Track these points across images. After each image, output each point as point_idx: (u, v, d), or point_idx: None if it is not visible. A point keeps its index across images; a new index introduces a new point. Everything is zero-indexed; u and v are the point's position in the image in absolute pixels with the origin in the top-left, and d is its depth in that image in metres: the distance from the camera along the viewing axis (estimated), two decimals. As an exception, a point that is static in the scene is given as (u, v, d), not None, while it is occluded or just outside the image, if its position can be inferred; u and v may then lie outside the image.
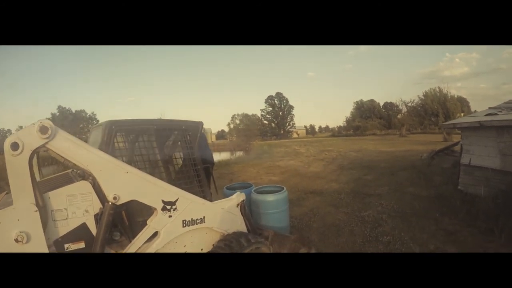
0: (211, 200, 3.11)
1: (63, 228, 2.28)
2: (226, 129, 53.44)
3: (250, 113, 53.30)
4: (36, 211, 2.09)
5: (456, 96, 41.78)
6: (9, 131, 41.74)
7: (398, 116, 48.42)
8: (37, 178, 2.86)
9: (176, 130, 3.16)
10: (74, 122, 38.55)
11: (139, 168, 2.59)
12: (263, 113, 59.85)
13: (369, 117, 54.63)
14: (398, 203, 6.68)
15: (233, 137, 47.35)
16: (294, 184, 9.49)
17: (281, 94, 60.16)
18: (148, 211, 2.64)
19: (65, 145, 2.21)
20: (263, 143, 34.54)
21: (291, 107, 60.30)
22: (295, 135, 59.90)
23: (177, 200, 2.64)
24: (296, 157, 18.50)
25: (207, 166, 3.36)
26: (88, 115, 42.67)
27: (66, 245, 2.28)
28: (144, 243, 2.52)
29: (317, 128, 61.43)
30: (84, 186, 2.37)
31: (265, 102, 60.15)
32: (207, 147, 3.43)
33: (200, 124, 3.25)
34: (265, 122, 59.44)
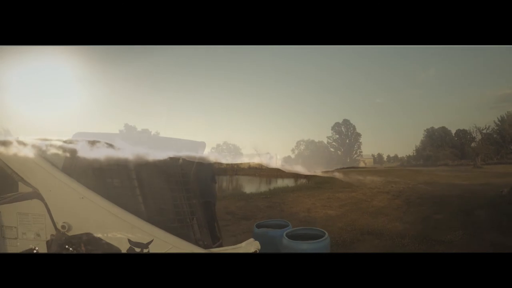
0: (210, 245, 2.44)
1: (12, 248, 1.99)
2: (292, 155, 53.28)
3: (316, 140, 52.31)
4: None
5: (537, 119, 35.93)
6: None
7: (472, 145, 43.32)
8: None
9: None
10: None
11: (107, 198, 2.06)
12: (329, 141, 58.28)
13: (441, 146, 49.61)
14: (476, 255, 5.58)
15: (298, 163, 46.70)
16: (351, 221, 8.68)
17: (348, 121, 57.95)
18: None
19: (13, 154, 1.93)
20: (327, 172, 33.30)
21: (359, 135, 57.61)
22: (362, 164, 57.02)
23: (151, 242, 2.05)
24: (359, 188, 17.25)
25: (208, 201, 2.71)
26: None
27: None
28: None
29: (385, 157, 57.57)
30: (36, 206, 1.99)
31: (332, 129, 58.63)
32: (208, 178, 2.67)
33: (201, 145, 2.57)
34: (331, 150, 57.68)
